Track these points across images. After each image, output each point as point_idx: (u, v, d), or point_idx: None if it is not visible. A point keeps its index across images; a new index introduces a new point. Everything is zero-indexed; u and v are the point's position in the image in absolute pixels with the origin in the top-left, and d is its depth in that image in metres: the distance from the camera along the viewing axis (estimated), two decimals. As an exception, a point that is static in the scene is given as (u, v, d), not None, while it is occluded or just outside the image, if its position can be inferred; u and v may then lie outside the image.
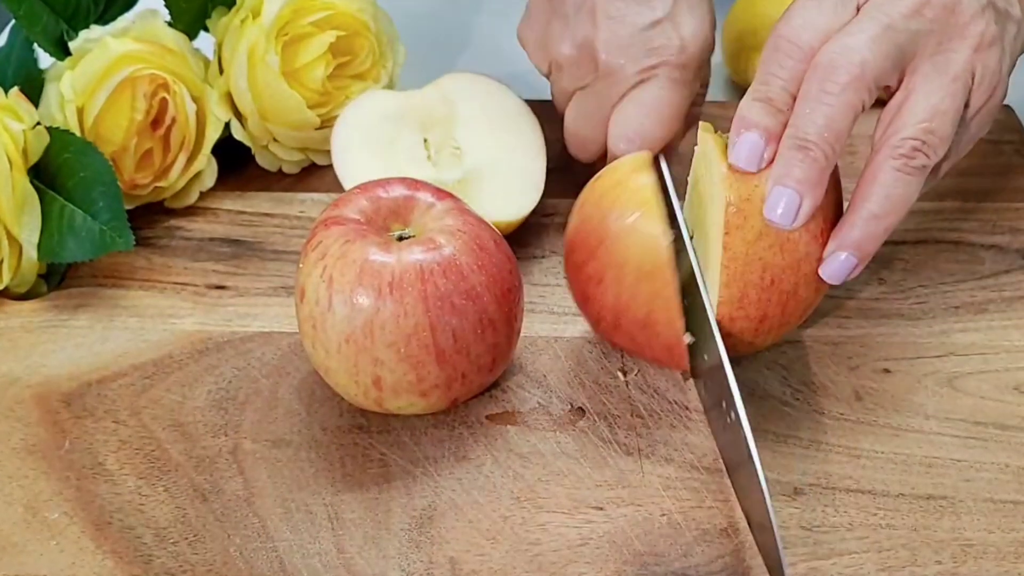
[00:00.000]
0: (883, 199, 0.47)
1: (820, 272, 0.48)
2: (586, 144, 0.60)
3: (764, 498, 0.44)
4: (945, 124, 0.48)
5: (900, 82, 0.48)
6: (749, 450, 0.45)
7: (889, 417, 0.51)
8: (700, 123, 0.51)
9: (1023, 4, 0.51)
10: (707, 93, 0.61)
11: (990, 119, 0.51)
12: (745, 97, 0.49)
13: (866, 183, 0.47)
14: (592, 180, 0.53)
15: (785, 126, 0.47)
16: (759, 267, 0.48)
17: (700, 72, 0.58)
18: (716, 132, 0.50)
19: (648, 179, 0.50)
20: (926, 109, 0.47)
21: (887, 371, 0.53)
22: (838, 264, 0.48)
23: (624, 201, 0.50)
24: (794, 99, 0.48)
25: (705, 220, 0.50)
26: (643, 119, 0.56)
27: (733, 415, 0.46)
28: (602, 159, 0.59)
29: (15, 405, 0.53)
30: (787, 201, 0.47)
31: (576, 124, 0.59)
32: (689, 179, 0.52)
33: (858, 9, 0.48)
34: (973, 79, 0.49)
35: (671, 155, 0.58)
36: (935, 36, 0.48)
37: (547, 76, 0.61)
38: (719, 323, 0.49)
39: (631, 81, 0.56)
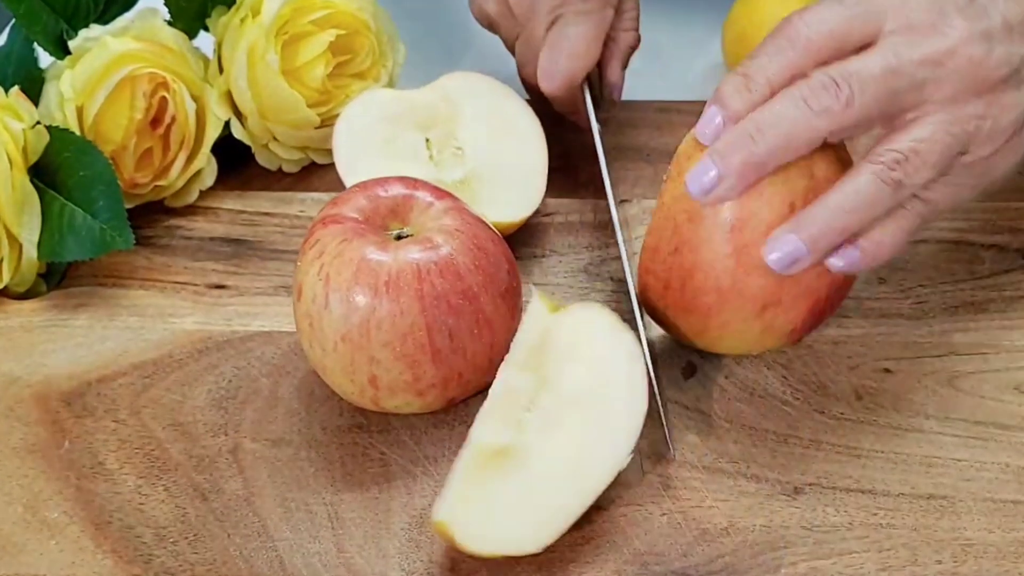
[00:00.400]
0: (851, 194, 0.46)
1: (764, 252, 0.47)
2: (531, 86, 0.64)
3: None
4: (933, 153, 0.46)
5: (891, 125, 0.48)
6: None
7: (889, 417, 0.51)
8: None
9: None
10: (638, 13, 0.65)
11: (1000, 171, 0.49)
12: (734, 71, 0.48)
13: (843, 180, 0.47)
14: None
15: (752, 109, 0.47)
16: (671, 227, 0.49)
17: None
18: None
19: None
20: (919, 134, 0.47)
21: (887, 371, 0.53)
22: (785, 246, 0.47)
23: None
24: (773, 91, 0.47)
25: None
26: (558, 57, 0.61)
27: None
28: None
29: (15, 405, 0.53)
30: (707, 174, 0.47)
31: (521, 68, 0.65)
32: None
33: (878, 33, 0.47)
34: (977, 130, 0.47)
35: (605, 82, 0.64)
36: (951, 85, 0.46)
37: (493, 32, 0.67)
38: (640, 267, 0.51)
39: (545, 22, 0.61)
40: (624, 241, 0.56)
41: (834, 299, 0.50)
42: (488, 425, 0.46)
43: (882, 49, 0.47)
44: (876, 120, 0.47)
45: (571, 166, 0.65)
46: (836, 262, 0.48)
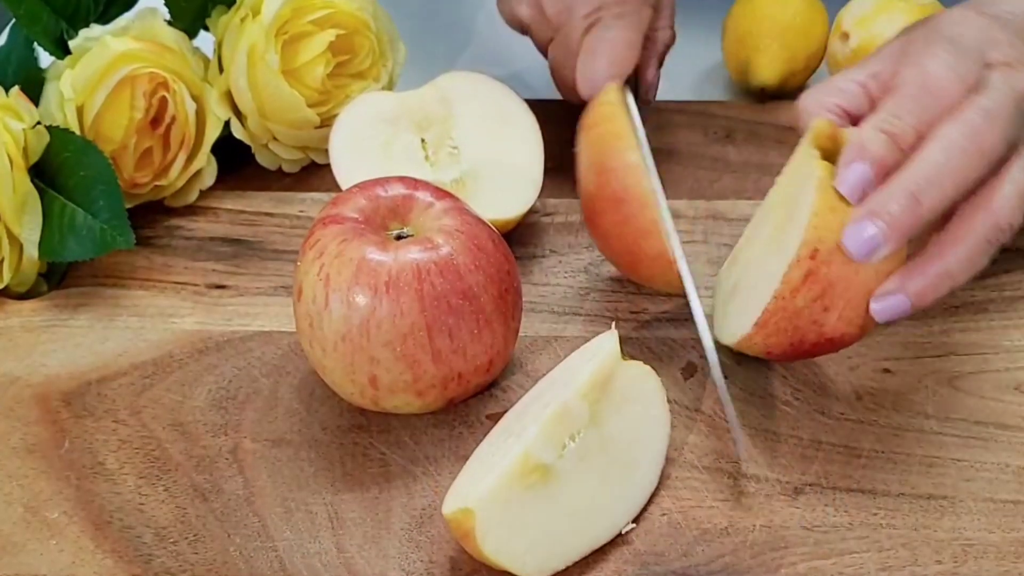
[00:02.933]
0: (964, 261, 0.47)
1: (871, 303, 0.47)
2: (568, 89, 0.62)
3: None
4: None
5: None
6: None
7: (889, 417, 0.51)
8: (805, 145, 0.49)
9: None
10: (673, 12, 0.64)
11: None
12: (870, 123, 0.47)
13: (951, 241, 0.47)
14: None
15: (898, 165, 0.46)
16: (794, 321, 0.47)
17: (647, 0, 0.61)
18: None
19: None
20: (1015, 190, 0.47)
21: (887, 371, 0.53)
22: (893, 303, 0.47)
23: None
24: (921, 138, 0.47)
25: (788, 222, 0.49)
26: (597, 62, 0.59)
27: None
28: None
29: (15, 405, 0.53)
30: (868, 236, 0.45)
31: (555, 72, 0.63)
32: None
33: (983, 70, 0.48)
34: None
35: (642, 82, 0.63)
36: None
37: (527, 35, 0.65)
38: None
39: (581, 27, 0.60)
40: (683, 257, 0.53)
41: (820, 345, 0.49)
42: (546, 440, 0.44)
43: (998, 81, 0.47)
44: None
45: (571, 166, 0.65)
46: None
